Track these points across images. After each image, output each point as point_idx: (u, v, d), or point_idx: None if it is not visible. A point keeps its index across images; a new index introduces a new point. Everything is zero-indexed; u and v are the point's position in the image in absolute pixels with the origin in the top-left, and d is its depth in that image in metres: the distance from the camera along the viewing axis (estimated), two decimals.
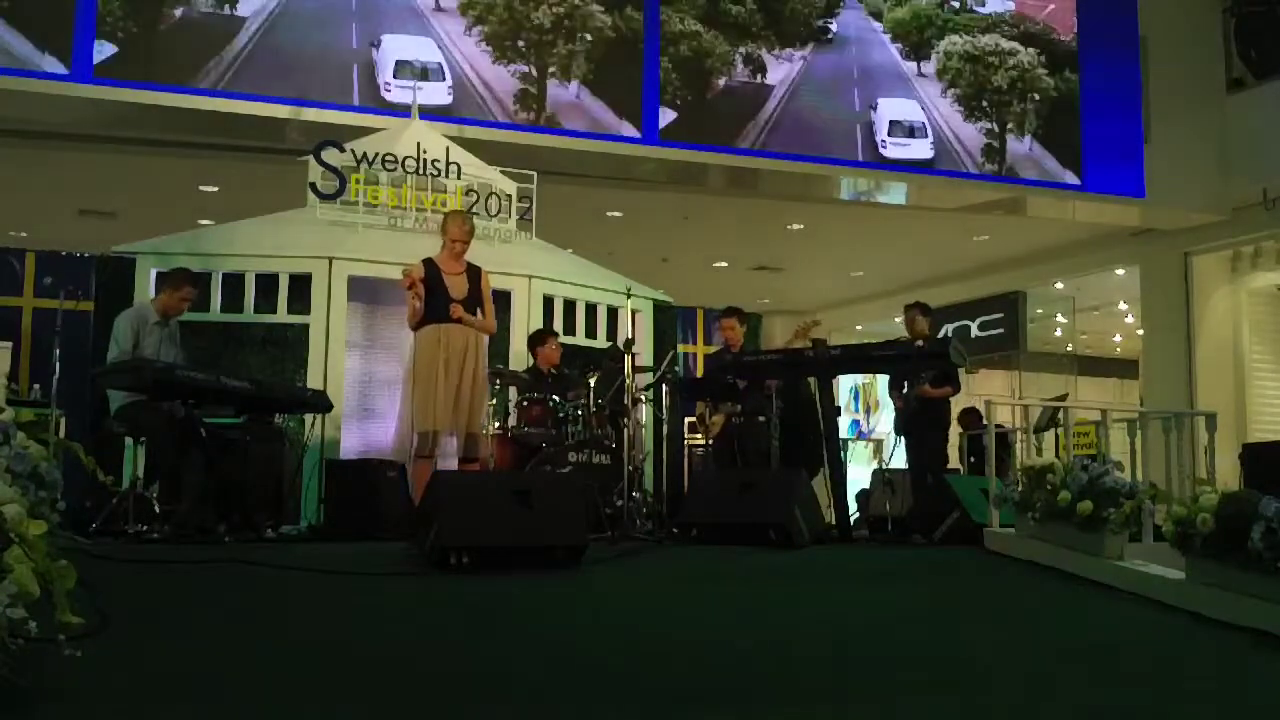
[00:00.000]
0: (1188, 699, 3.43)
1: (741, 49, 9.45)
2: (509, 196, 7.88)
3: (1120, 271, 12.35)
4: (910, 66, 9.98)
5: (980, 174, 10.06)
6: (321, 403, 6.42)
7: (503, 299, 7.83)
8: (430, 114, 8.19)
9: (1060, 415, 7.74)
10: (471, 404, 6.07)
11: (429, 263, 6.16)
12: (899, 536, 6.79)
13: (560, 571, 4.63)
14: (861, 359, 7.33)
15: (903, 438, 8.02)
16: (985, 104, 10.14)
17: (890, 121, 9.75)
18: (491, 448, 6.66)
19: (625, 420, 6.70)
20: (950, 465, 8.22)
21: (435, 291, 6.03)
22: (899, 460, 8.01)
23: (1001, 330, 13.57)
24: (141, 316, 6.37)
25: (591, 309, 8.22)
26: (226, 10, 8.15)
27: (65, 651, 2.56)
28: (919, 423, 7.85)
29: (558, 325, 7.87)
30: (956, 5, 10.23)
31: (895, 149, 9.74)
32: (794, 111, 9.53)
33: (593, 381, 6.82)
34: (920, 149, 9.81)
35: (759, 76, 9.44)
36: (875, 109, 9.74)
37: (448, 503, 4.60)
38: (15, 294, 8.72)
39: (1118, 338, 15.32)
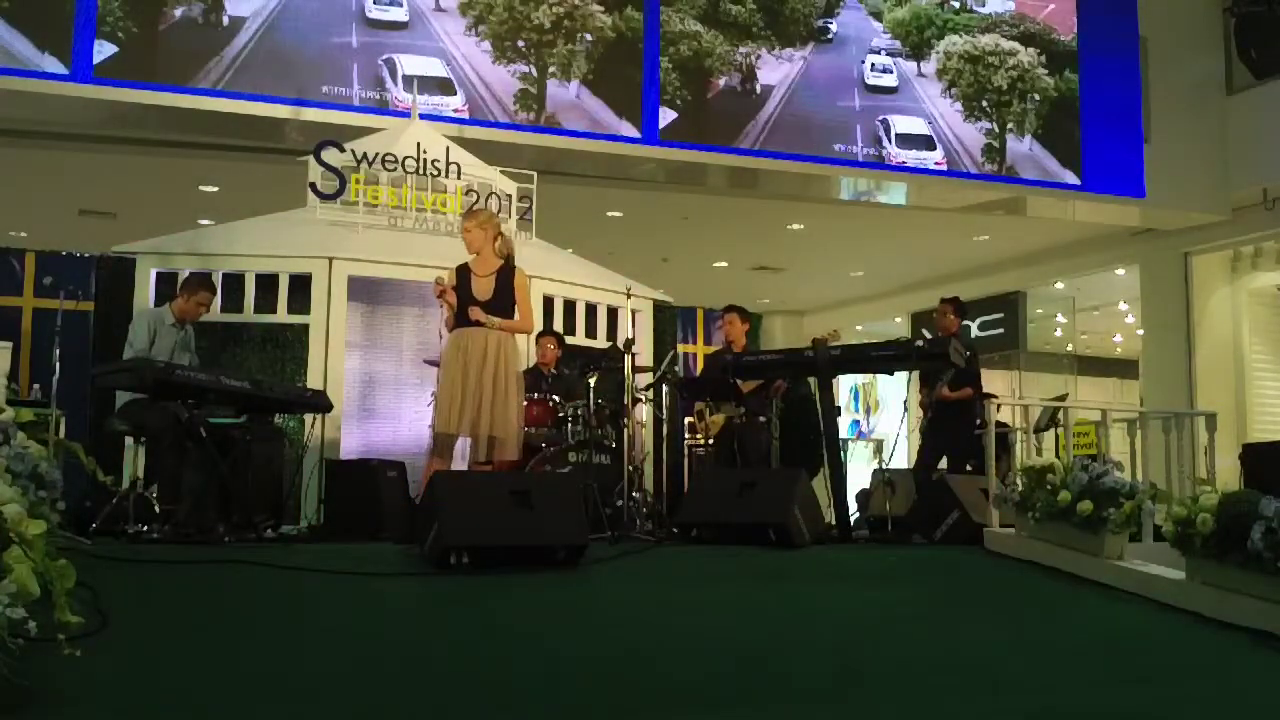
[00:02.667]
0: (1188, 699, 3.43)
1: (742, 49, 9.45)
2: (509, 196, 7.88)
3: (1120, 271, 12.35)
4: (910, 67, 9.98)
5: (980, 174, 10.05)
6: (321, 403, 6.42)
7: None
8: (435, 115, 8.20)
9: (1060, 415, 7.74)
10: (494, 406, 5.86)
11: (462, 268, 6.10)
12: (899, 536, 6.78)
13: (560, 571, 4.63)
14: (861, 359, 7.31)
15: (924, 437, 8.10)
16: (985, 104, 10.14)
17: (898, 134, 9.81)
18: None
19: (625, 420, 6.70)
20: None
21: (462, 295, 6.00)
22: (899, 460, 8.02)
23: (1001, 330, 13.57)
24: (159, 317, 6.42)
25: (591, 309, 8.21)
26: (223, 17, 8.14)
27: (65, 651, 2.56)
28: (939, 424, 7.90)
29: (558, 325, 7.87)
30: (956, 5, 10.23)
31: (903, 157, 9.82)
32: (793, 111, 9.54)
33: (592, 382, 6.82)
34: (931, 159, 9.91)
35: (751, 84, 9.44)
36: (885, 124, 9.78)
37: (448, 503, 4.60)
38: (15, 294, 8.71)
39: (1118, 338, 15.31)
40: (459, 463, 6.24)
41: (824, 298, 15.31)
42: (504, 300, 5.99)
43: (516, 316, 6.05)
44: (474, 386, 5.82)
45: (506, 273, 6.03)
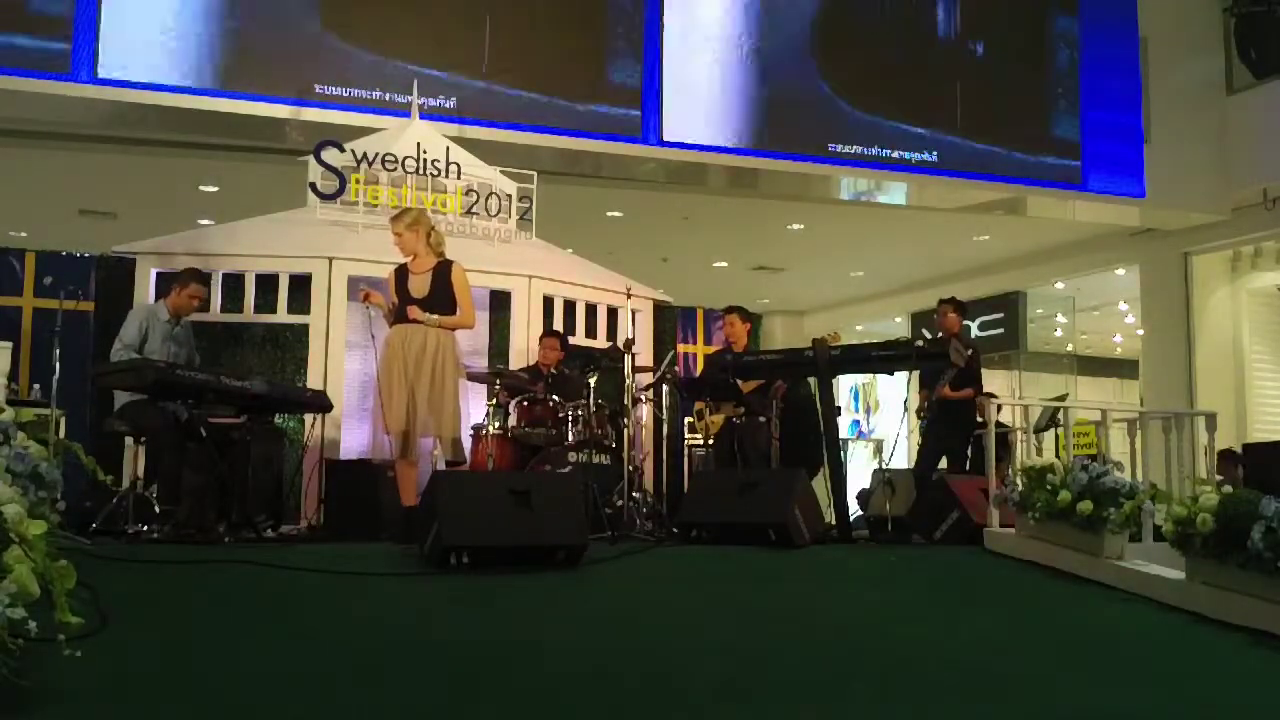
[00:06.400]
0: (1187, 699, 3.43)
1: None
2: (509, 196, 7.88)
3: (1120, 271, 12.35)
4: None
5: (980, 174, 10.05)
6: (321, 403, 6.42)
7: (503, 299, 7.85)
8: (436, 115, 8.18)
9: (1060, 415, 7.74)
10: (430, 406, 5.75)
11: (400, 268, 6.05)
12: (899, 536, 6.78)
13: (560, 571, 4.63)
14: (861, 359, 7.32)
15: (924, 437, 8.10)
16: None
17: None
18: (491, 448, 6.66)
19: (625, 420, 6.70)
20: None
21: (400, 294, 5.97)
22: (899, 460, 8.02)
23: (1001, 330, 13.57)
24: (152, 314, 6.41)
25: (591, 309, 8.22)
26: None
27: (65, 651, 2.57)
28: (940, 424, 7.90)
29: (558, 325, 7.87)
30: None
31: None
32: None
33: (592, 382, 6.82)
34: None
35: None
36: None
37: (448, 503, 4.59)
38: (15, 294, 8.72)
39: (1118, 338, 15.31)
40: (425, 459, 6.21)
41: (824, 298, 15.31)
42: (441, 297, 5.93)
43: (457, 313, 5.99)
44: (412, 384, 5.78)
45: (443, 269, 5.98)
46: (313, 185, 7.33)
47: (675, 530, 6.09)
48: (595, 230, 10.94)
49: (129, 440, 6.42)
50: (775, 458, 7.19)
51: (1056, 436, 8.93)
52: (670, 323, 9.12)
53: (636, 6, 9.12)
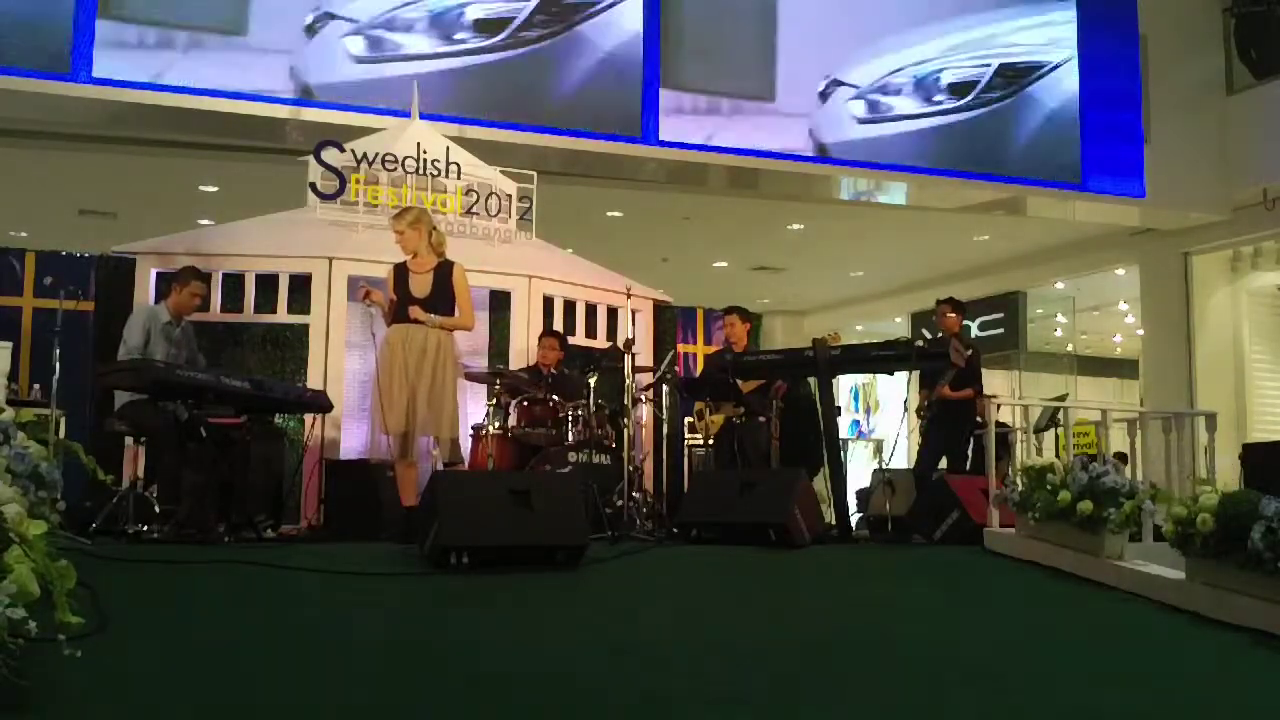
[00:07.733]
0: (1188, 699, 3.43)
1: None
2: (509, 196, 7.88)
3: (1120, 271, 12.36)
4: None
5: (980, 174, 10.05)
6: (321, 403, 6.42)
7: (503, 299, 7.85)
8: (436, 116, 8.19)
9: (1060, 415, 7.75)
10: (429, 406, 5.77)
11: (400, 266, 6.06)
12: (899, 536, 6.78)
13: (560, 572, 4.63)
14: (861, 359, 7.32)
15: (924, 437, 8.11)
16: None
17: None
18: (491, 447, 6.66)
19: (625, 420, 6.70)
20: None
21: (400, 293, 5.97)
22: (899, 460, 8.01)
23: (1001, 330, 13.58)
24: (154, 316, 6.40)
25: (591, 309, 8.21)
26: None
27: (65, 651, 2.56)
28: (940, 423, 7.91)
29: (558, 325, 7.87)
30: None
31: None
32: None
33: (592, 382, 6.82)
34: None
35: None
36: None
37: (447, 503, 4.59)
38: (15, 294, 8.71)
39: (1118, 338, 15.32)
40: (425, 459, 6.21)
41: (824, 298, 15.32)
42: (442, 297, 5.95)
43: (457, 314, 6.00)
44: (412, 383, 5.77)
45: (445, 270, 5.99)
46: (313, 185, 7.33)
47: (675, 530, 6.09)
48: (595, 230, 10.95)
49: (129, 440, 6.42)
50: (775, 458, 7.19)
51: (1056, 436, 8.94)
52: (670, 323, 9.13)
53: None
